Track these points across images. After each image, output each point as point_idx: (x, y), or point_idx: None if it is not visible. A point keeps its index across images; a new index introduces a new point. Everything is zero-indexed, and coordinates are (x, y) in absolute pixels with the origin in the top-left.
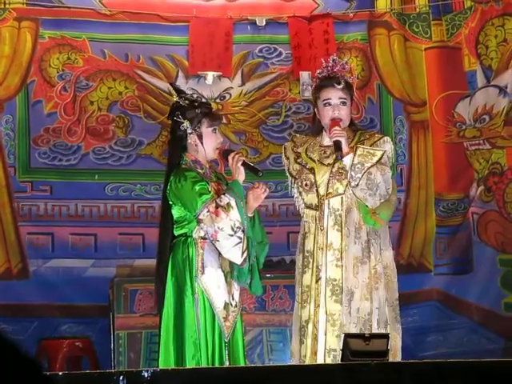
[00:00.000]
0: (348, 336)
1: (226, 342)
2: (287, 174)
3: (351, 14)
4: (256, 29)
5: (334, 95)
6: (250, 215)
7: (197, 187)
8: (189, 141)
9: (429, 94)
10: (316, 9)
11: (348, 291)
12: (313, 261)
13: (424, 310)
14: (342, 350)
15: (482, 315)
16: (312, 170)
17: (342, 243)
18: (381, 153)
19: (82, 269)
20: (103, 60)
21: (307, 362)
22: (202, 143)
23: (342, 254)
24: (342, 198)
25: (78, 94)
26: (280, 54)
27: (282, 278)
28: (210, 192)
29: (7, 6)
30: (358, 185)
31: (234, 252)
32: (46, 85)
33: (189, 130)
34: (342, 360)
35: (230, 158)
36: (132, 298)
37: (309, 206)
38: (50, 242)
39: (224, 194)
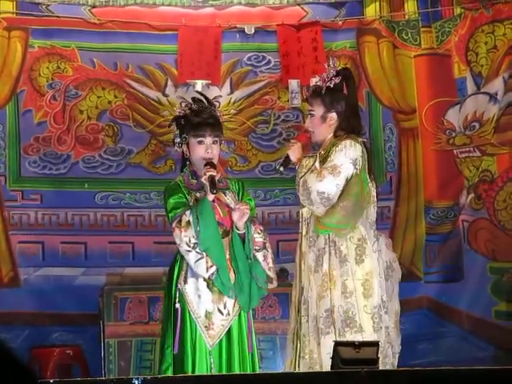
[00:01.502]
0: (338, 344)
1: (209, 351)
2: None
3: (340, 22)
4: (245, 37)
5: (306, 108)
6: (241, 232)
7: (171, 201)
8: (184, 150)
9: (418, 101)
10: (305, 17)
11: (305, 300)
12: (297, 269)
13: (414, 318)
14: (332, 358)
15: (473, 323)
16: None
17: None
18: (312, 159)
19: (72, 277)
20: (92, 69)
21: (290, 369)
22: (190, 154)
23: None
24: None
25: (68, 103)
26: (269, 62)
27: None
28: (185, 205)
29: None
30: (299, 195)
31: (198, 267)
32: (35, 94)
33: (177, 140)
34: (332, 368)
35: (204, 169)
36: (122, 306)
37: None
38: (40, 250)
39: (189, 209)
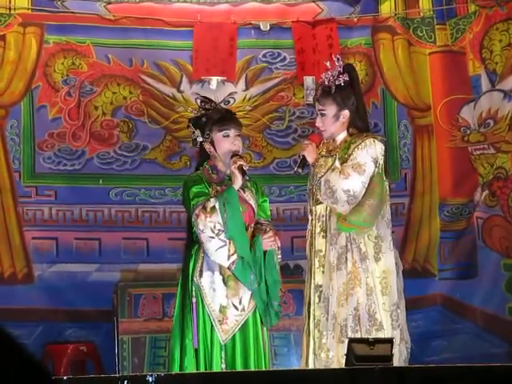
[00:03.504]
0: (352, 341)
1: (222, 346)
2: None
3: (355, 19)
4: (260, 33)
5: (316, 108)
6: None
7: (194, 189)
8: (206, 148)
9: (433, 98)
10: (320, 13)
11: (325, 298)
12: (308, 266)
13: (428, 315)
14: (347, 355)
15: (487, 320)
16: (314, 176)
17: (325, 249)
18: (332, 159)
19: (86, 273)
20: (107, 65)
21: (302, 366)
22: (215, 149)
23: (325, 259)
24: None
25: (83, 99)
26: (284, 58)
27: (286, 283)
28: (207, 195)
29: (12, 11)
30: (320, 194)
31: (219, 255)
32: (50, 90)
33: (199, 139)
34: (346, 365)
35: (231, 161)
36: (136, 302)
37: (310, 211)
38: (54, 246)
39: (213, 197)
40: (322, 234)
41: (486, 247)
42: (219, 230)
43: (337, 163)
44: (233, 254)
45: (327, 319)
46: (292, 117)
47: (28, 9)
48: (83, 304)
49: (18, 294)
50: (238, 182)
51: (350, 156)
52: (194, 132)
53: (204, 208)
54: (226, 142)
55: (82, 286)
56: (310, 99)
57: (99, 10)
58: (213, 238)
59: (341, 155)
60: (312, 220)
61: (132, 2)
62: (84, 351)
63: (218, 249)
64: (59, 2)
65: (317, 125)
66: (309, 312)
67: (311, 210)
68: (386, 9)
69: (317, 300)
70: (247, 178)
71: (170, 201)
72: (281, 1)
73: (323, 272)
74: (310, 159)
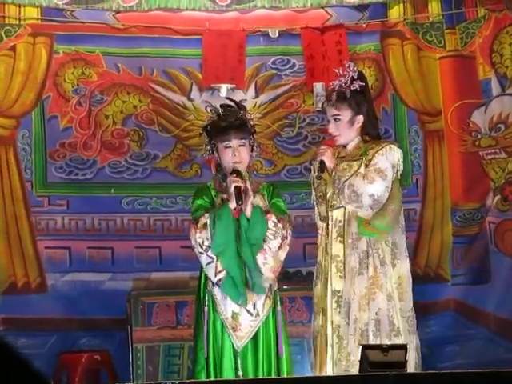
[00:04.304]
0: (366, 347)
1: (236, 352)
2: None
3: (364, 25)
4: (269, 40)
5: (329, 113)
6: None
7: (197, 202)
8: (215, 157)
9: (443, 103)
10: (328, 20)
11: (346, 302)
12: (322, 272)
13: (441, 321)
14: (360, 361)
15: (500, 325)
16: (325, 182)
17: (344, 254)
18: (358, 163)
19: (99, 282)
20: (117, 74)
21: (316, 373)
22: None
23: (344, 265)
24: (344, 209)
25: (93, 109)
26: (293, 65)
27: (298, 290)
28: (206, 208)
29: (22, 22)
30: (343, 198)
31: (208, 270)
32: (61, 100)
33: (208, 147)
34: (360, 371)
35: (228, 178)
36: (149, 310)
37: (321, 219)
38: (67, 255)
39: (208, 212)
40: (339, 239)
41: (498, 252)
42: (207, 246)
43: (362, 168)
44: (220, 272)
45: (348, 324)
46: (302, 123)
47: (37, 19)
48: (97, 313)
49: (32, 303)
50: (234, 201)
51: (369, 161)
52: (205, 140)
53: (196, 223)
54: (227, 153)
55: (95, 294)
56: (320, 105)
57: (108, 20)
58: (202, 253)
59: (360, 160)
60: (327, 225)
61: (141, 11)
62: (98, 360)
63: (207, 264)
64: (68, 12)
65: (330, 131)
66: (325, 318)
67: (325, 216)
68: (394, 14)
69: (334, 306)
70: (240, 203)
71: (182, 209)
72: (289, 7)
73: (340, 277)
74: (330, 164)
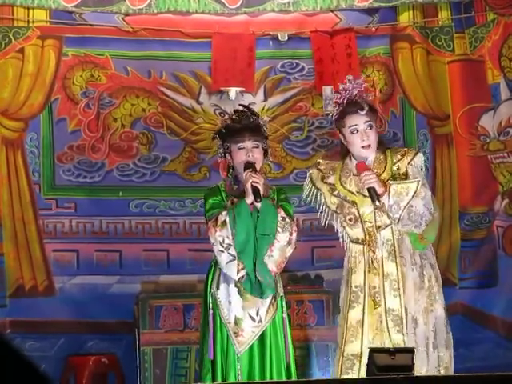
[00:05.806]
0: (373, 351)
1: (238, 357)
2: (323, 207)
3: (373, 28)
4: (278, 44)
5: (360, 121)
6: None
7: (210, 201)
8: (227, 159)
9: (452, 107)
10: (338, 23)
11: (412, 319)
12: (364, 295)
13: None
14: (368, 365)
15: (508, 329)
16: (354, 204)
17: (398, 273)
18: (415, 184)
19: (107, 285)
20: (126, 77)
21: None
22: (233, 160)
23: (398, 283)
24: (391, 228)
25: (102, 111)
26: (302, 68)
27: (306, 293)
28: (222, 207)
29: (31, 24)
30: (399, 221)
31: (229, 268)
32: (69, 102)
33: (220, 150)
34: (367, 375)
35: (244, 173)
36: (157, 314)
37: (354, 241)
38: (75, 258)
39: (226, 210)
40: (390, 258)
41: (506, 256)
42: (228, 244)
43: (420, 188)
44: (242, 269)
45: (416, 341)
46: (311, 127)
47: (46, 21)
48: (104, 316)
49: (40, 306)
50: (251, 196)
51: (404, 175)
52: (218, 143)
53: (215, 221)
54: (240, 154)
55: (102, 297)
56: (329, 109)
57: (117, 22)
58: (222, 251)
59: (391, 175)
60: (369, 246)
61: (150, 14)
62: (106, 363)
63: (229, 262)
64: (77, 15)
65: (367, 142)
66: (380, 338)
67: (362, 238)
68: (404, 18)
69: (391, 325)
70: (259, 200)
71: (190, 212)
72: (299, 11)
73: (395, 296)
74: (381, 189)
